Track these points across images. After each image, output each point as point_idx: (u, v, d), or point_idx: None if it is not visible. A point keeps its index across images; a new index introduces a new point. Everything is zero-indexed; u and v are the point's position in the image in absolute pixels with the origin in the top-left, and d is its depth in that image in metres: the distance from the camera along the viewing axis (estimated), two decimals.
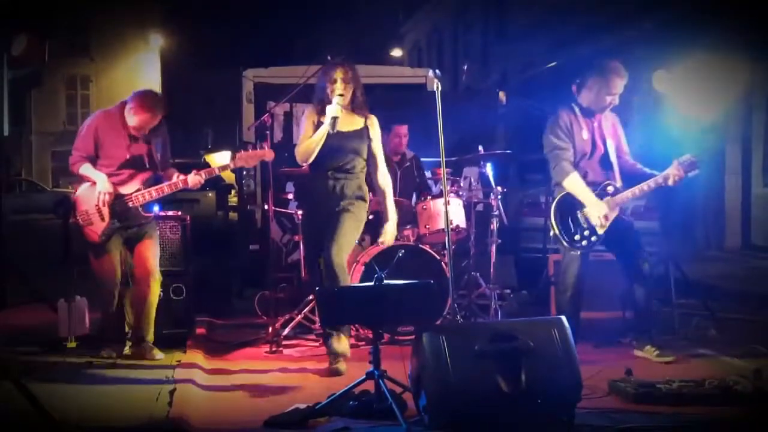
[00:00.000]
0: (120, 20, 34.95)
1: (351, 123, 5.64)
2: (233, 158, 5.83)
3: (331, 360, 5.51)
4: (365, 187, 5.72)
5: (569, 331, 4.30)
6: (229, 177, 13.01)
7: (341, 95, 5.53)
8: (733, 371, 5.15)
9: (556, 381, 4.17)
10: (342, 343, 5.49)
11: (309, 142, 5.56)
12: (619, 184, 5.78)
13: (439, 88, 4.95)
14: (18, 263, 7.67)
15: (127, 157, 5.72)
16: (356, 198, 5.64)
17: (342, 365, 5.45)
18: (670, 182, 5.65)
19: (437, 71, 4.99)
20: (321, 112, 5.60)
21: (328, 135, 5.50)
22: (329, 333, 5.52)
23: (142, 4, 36.09)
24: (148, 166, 5.78)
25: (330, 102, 5.55)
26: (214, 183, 15.67)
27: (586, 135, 5.76)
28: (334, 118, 5.48)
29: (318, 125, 5.59)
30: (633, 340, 5.95)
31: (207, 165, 11.03)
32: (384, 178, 5.77)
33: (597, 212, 5.67)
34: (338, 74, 5.54)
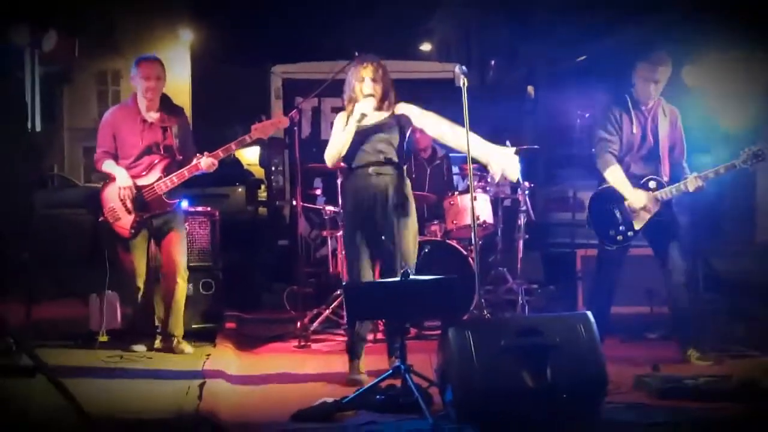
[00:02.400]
0: (150, 15, 35.15)
1: (380, 116, 5.30)
2: (249, 131, 5.76)
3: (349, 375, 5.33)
4: (409, 182, 5.36)
5: (595, 326, 4.30)
6: (258, 172, 13.07)
7: (371, 95, 5.24)
8: (760, 368, 5.13)
9: (582, 376, 4.18)
10: (360, 372, 5.25)
11: (336, 143, 5.25)
12: (665, 179, 5.69)
13: (466, 84, 4.94)
14: (50, 258, 7.78)
15: (143, 144, 5.75)
16: (405, 197, 5.26)
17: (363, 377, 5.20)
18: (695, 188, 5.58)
19: (463, 67, 4.95)
20: (352, 111, 5.28)
21: (358, 131, 5.19)
22: (352, 354, 5.31)
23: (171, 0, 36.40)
24: (165, 152, 5.78)
25: (359, 101, 5.25)
26: (244, 178, 15.77)
27: (636, 129, 5.70)
28: (363, 115, 5.18)
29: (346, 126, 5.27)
30: (661, 337, 5.91)
31: (237, 161, 11.11)
32: (454, 131, 5.16)
33: (636, 202, 5.62)
34: (367, 72, 5.25)
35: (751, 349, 5.94)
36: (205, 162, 5.69)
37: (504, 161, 5.01)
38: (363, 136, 5.22)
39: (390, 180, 5.22)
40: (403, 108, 5.32)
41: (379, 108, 5.26)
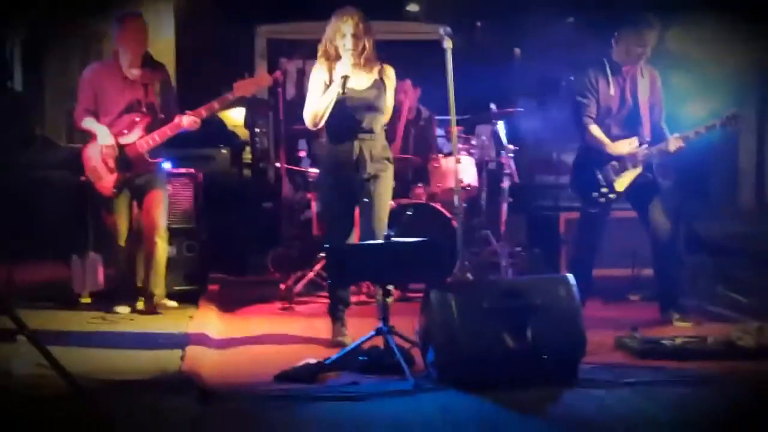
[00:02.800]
0: None
1: (364, 78, 5.15)
2: (231, 89, 5.67)
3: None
4: (388, 147, 5.34)
5: (575, 288, 4.35)
6: (243, 134, 12.97)
7: (352, 51, 5.05)
8: (738, 329, 5.19)
9: (562, 337, 4.23)
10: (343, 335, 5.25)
11: (318, 105, 5.10)
12: (647, 140, 5.70)
13: (450, 46, 4.90)
14: (33, 219, 7.75)
15: (124, 102, 5.71)
16: (384, 160, 5.21)
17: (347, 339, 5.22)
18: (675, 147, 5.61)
19: (448, 28, 4.91)
20: (332, 67, 5.11)
21: (340, 95, 5.05)
22: (334, 317, 5.32)
23: None
24: (146, 110, 5.74)
25: (339, 57, 5.08)
26: (229, 140, 15.64)
27: (613, 91, 5.68)
28: (345, 78, 5.01)
29: (328, 82, 5.11)
30: (643, 299, 5.97)
31: (222, 122, 11.04)
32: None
33: (620, 149, 5.63)
34: (348, 27, 5.03)
35: (731, 310, 6.01)
36: (186, 120, 5.64)
37: None
38: (343, 100, 5.08)
39: (371, 145, 5.16)
40: (388, 75, 5.23)
41: (359, 64, 5.10)
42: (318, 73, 5.19)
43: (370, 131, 5.15)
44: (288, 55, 7.75)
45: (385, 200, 5.23)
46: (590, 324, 4.50)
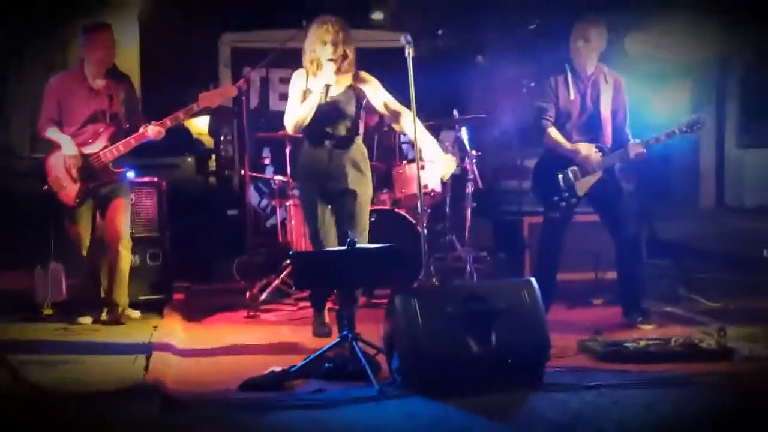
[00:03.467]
0: None
1: (341, 86, 5.22)
2: (196, 100, 5.68)
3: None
4: (366, 155, 5.39)
5: (538, 292, 4.38)
6: (209, 142, 12.95)
7: (332, 60, 5.09)
8: (700, 330, 5.27)
9: (525, 341, 4.26)
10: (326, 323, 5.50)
11: (300, 112, 5.17)
12: (607, 146, 5.75)
13: (411, 54, 4.93)
14: None
15: (88, 112, 5.69)
16: (361, 172, 5.29)
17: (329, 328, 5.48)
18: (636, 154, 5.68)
19: (408, 36, 4.95)
20: (314, 74, 5.18)
21: (321, 103, 5.11)
22: (317, 307, 5.54)
23: None
24: (111, 120, 5.73)
25: (320, 66, 5.13)
26: (194, 148, 15.59)
27: (573, 95, 5.73)
28: (327, 86, 5.08)
29: (307, 91, 5.19)
30: (606, 303, 6.03)
31: (186, 130, 10.98)
32: (408, 124, 5.13)
33: (581, 151, 5.67)
34: (329, 36, 5.08)
35: (694, 312, 6.08)
36: (152, 130, 5.64)
37: (444, 166, 5.30)
38: (323, 108, 5.16)
39: (348, 151, 5.25)
40: (364, 78, 5.28)
41: (339, 71, 5.15)
42: (298, 80, 5.26)
43: (343, 137, 5.25)
44: (252, 64, 7.74)
45: (364, 212, 5.29)
46: (554, 328, 4.55)
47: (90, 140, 5.69)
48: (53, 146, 5.74)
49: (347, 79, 5.24)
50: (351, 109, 5.25)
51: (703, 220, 10.40)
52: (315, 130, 5.25)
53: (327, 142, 5.25)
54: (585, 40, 5.68)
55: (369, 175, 5.38)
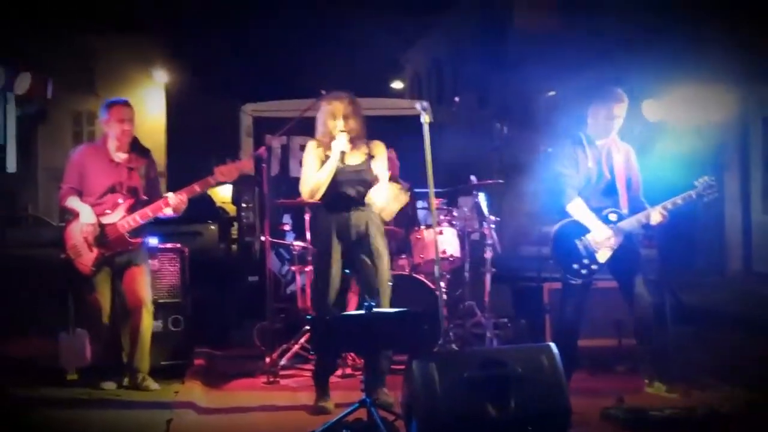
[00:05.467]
0: (124, 56, 35.21)
1: (356, 155, 5.50)
2: (212, 174, 5.76)
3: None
4: (381, 219, 5.57)
5: (558, 357, 4.35)
6: (232, 210, 13.15)
7: (344, 132, 5.40)
8: (725, 399, 5.18)
9: (545, 407, 4.22)
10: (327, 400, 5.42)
11: (318, 178, 5.42)
12: (624, 211, 5.76)
13: (427, 120, 5.03)
14: (21, 296, 7.74)
15: (108, 183, 5.80)
16: (380, 232, 5.52)
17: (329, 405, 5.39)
18: (657, 220, 5.68)
19: (424, 103, 5.06)
20: (327, 146, 5.46)
21: (338, 168, 5.40)
22: (318, 383, 5.50)
23: (146, 41, 36.39)
24: (129, 192, 5.83)
25: (333, 137, 5.43)
26: (217, 216, 15.83)
27: (591, 163, 5.78)
28: (342, 153, 5.39)
29: (324, 160, 5.45)
30: (629, 369, 5.95)
31: (209, 198, 11.14)
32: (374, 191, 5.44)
33: (600, 235, 5.68)
34: (339, 110, 5.43)
35: (718, 380, 5.98)
36: (171, 199, 5.72)
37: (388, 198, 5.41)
38: (340, 174, 5.40)
39: (367, 219, 5.45)
40: (374, 148, 5.53)
41: (353, 143, 5.43)
42: (313, 150, 5.51)
43: (363, 203, 5.44)
44: (272, 132, 7.87)
45: (386, 275, 5.46)
46: (576, 394, 4.51)
47: (108, 210, 5.80)
48: (73, 215, 5.85)
49: (361, 147, 5.50)
50: (366, 175, 5.48)
51: (730, 287, 10.32)
52: (332, 196, 5.44)
53: (345, 207, 5.44)
54: (614, 119, 5.74)
55: (386, 242, 5.56)
